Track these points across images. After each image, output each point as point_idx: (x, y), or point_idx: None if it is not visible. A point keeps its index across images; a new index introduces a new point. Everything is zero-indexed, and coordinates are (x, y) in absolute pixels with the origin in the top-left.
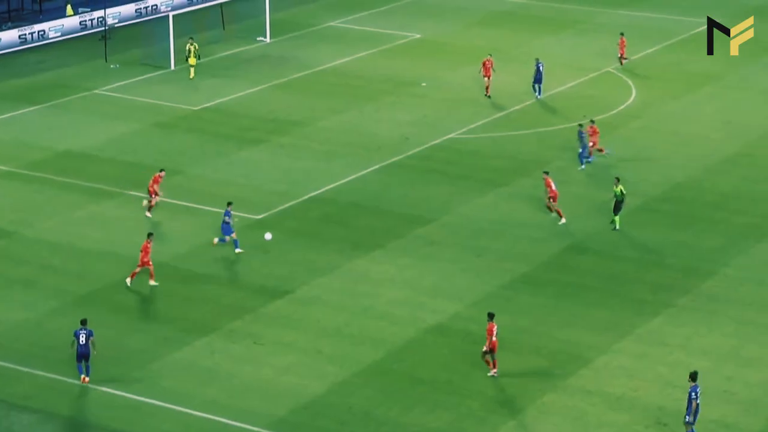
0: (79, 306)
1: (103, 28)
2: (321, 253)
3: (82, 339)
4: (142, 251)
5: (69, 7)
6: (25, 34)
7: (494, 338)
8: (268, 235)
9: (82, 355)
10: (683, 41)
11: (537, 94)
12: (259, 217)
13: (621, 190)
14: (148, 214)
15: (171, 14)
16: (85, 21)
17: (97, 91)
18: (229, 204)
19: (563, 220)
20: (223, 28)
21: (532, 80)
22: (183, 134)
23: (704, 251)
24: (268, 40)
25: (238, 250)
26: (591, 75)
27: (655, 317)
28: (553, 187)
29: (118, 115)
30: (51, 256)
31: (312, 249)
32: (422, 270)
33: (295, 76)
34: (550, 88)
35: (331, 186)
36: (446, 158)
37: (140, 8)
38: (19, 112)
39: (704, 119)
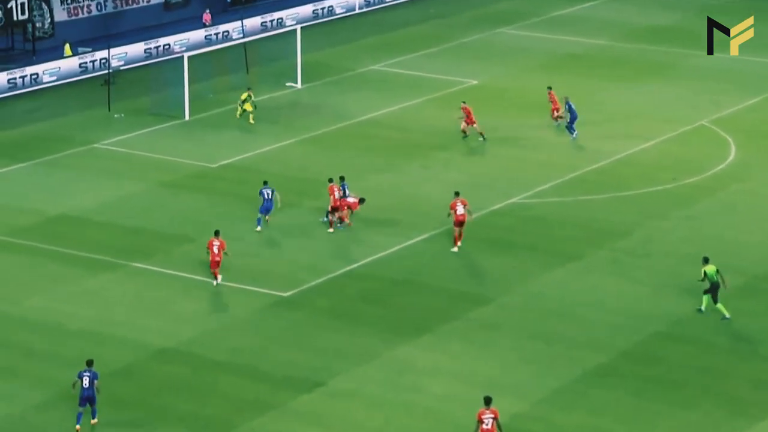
0: (68, 399)
1: (107, 72)
2: (358, 337)
3: (86, 382)
4: (209, 248)
5: (67, 46)
6: (16, 78)
7: (484, 426)
8: None
9: (86, 399)
10: None
11: (572, 134)
12: (286, 294)
13: (714, 272)
14: (347, 221)
15: (186, 55)
16: (86, 63)
17: (97, 145)
18: (264, 183)
19: (331, 230)
20: (247, 72)
21: (567, 122)
22: (197, 195)
23: None
24: (299, 85)
25: (258, 228)
26: (681, 129)
27: (759, 421)
28: (336, 196)
29: (122, 173)
30: (37, 339)
31: (347, 333)
32: (478, 359)
33: (330, 128)
34: (633, 146)
35: (371, 258)
36: (508, 226)
37: (150, 48)
38: (6, 169)
39: None
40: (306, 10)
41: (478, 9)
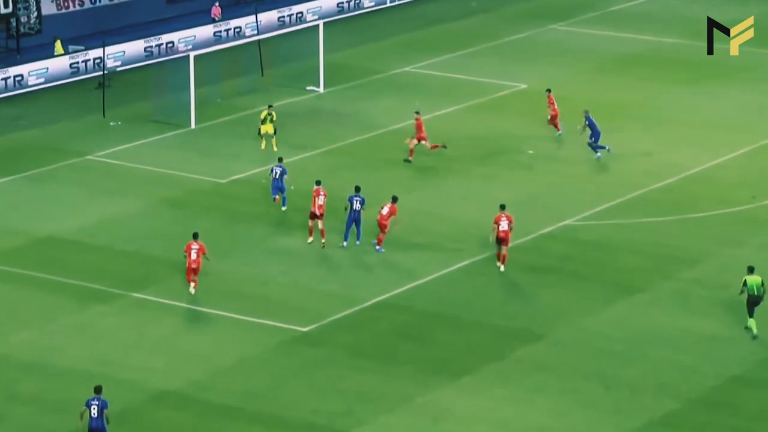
0: None
1: (102, 73)
2: (387, 379)
3: (94, 411)
4: (186, 252)
5: (58, 44)
6: None
7: None
8: None
9: (94, 431)
10: None
11: (605, 148)
12: (306, 328)
13: (757, 284)
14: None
15: (192, 54)
16: (78, 63)
17: (90, 157)
18: (279, 159)
19: (310, 239)
20: (262, 74)
21: (591, 139)
22: (204, 214)
23: None
24: (320, 90)
25: (284, 208)
26: (762, 141)
27: None
28: (319, 202)
29: (119, 189)
30: (23, 378)
31: (375, 374)
32: (527, 405)
33: (356, 138)
34: (704, 160)
35: (404, 288)
36: (561, 252)
37: (151, 46)
38: None
39: None
40: (330, 3)
41: (526, 2)
